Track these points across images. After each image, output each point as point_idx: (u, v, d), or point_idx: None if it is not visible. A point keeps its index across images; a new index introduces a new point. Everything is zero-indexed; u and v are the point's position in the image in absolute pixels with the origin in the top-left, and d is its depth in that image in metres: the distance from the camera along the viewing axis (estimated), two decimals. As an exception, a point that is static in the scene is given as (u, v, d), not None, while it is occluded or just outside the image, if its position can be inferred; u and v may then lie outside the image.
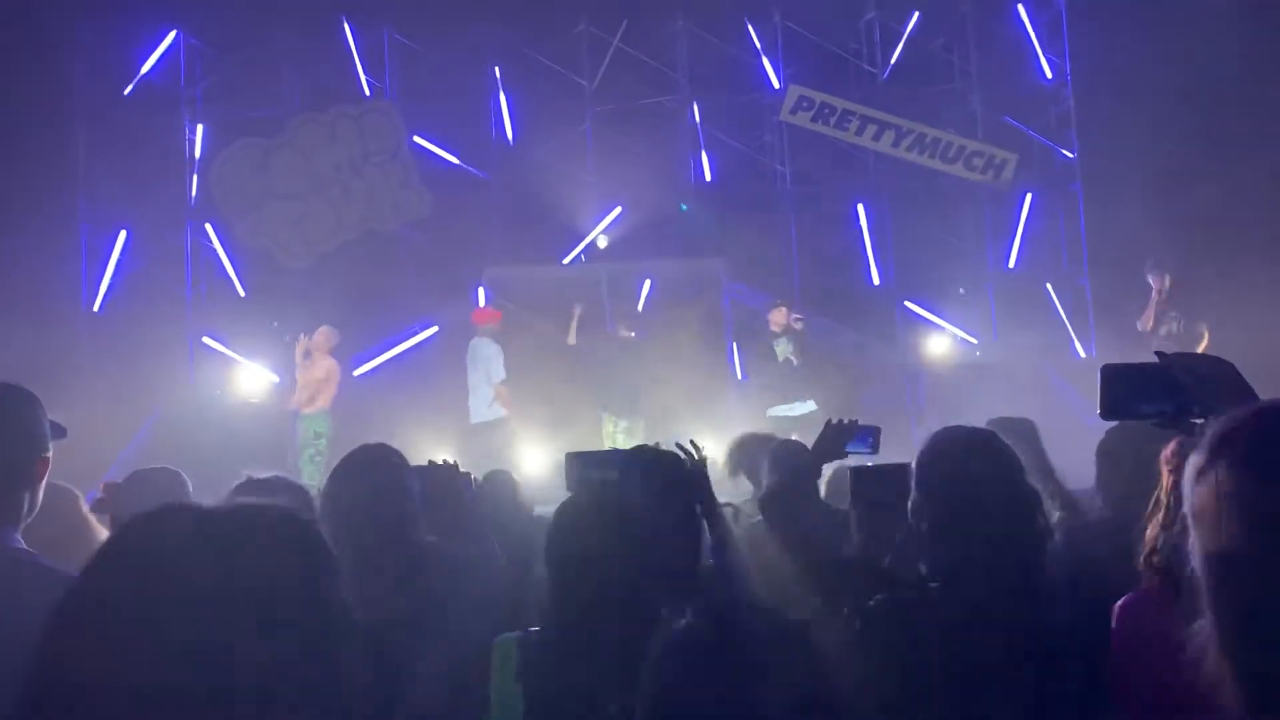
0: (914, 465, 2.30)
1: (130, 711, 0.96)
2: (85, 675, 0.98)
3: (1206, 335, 8.98)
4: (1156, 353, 1.60)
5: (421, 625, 2.52)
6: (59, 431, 2.35)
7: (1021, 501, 2.17)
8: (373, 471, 2.83)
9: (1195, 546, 1.07)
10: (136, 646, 0.98)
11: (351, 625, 1.10)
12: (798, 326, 9.99)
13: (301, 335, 9.91)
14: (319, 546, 1.13)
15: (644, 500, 2.48)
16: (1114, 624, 2.10)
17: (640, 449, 3.00)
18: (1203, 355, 1.59)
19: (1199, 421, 1.57)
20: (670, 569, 2.28)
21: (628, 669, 2.01)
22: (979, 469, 2.20)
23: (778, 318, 10.05)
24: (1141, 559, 2.02)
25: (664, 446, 2.96)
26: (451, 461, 3.25)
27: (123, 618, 1.00)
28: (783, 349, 9.96)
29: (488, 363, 9.70)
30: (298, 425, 9.66)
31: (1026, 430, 3.80)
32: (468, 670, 2.36)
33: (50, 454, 2.27)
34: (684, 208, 11.88)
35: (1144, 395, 1.62)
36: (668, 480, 2.68)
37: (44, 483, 2.25)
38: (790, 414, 9.65)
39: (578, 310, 10.36)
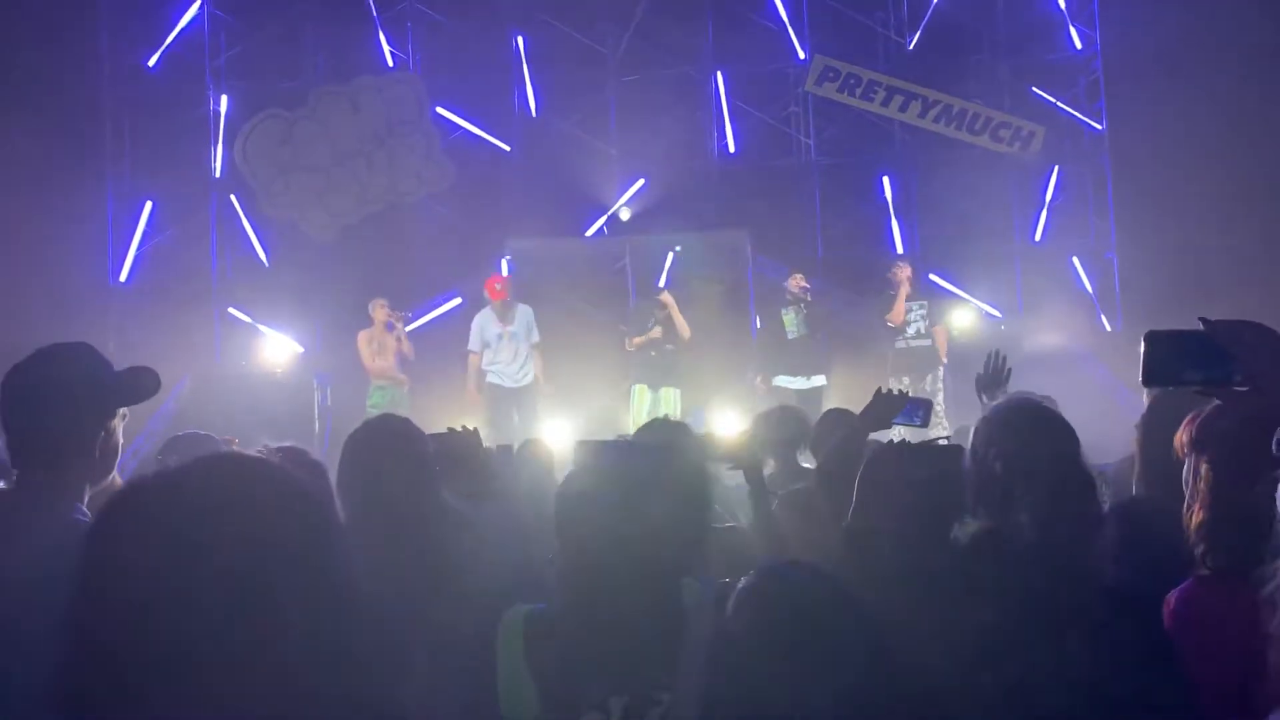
0: (972, 429, 2.30)
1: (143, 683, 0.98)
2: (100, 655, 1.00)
3: (944, 340, 9.88)
4: (1200, 319, 1.58)
5: (437, 584, 2.51)
6: (149, 383, 2.17)
7: (1076, 479, 2.14)
8: (387, 439, 2.86)
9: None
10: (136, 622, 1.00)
11: (351, 585, 1.09)
12: (806, 297, 9.87)
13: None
14: (303, 496, 1.12)
15: (657, 471, 2.44)
16: (1169, 615, 2.06)
17: (652, 423, 2.99)
18: (1247, 322, 1.56)
19: (1242, 389, 1.56)
20: (683, 541, 2.24)
21: (649, 644, 1.99)
22: (1035, 441, 2.17)
23: (791, 285, 10.01)
24: (1195, 547, 1.99)
25: (692, 419, 2.96)
26: (471, 428, 3.28)
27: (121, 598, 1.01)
28: (790, 319, 9.85)
29: (530, 328, 9.79)
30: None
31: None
32: (478, 637, 2.33)
33: (118, 420, 2.13)
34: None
35: (1186, 362, 1.59)
36: (679, 451, 2.65)
37: (111, 450, 2.13)
38: (790, 386, 9.58)
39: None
